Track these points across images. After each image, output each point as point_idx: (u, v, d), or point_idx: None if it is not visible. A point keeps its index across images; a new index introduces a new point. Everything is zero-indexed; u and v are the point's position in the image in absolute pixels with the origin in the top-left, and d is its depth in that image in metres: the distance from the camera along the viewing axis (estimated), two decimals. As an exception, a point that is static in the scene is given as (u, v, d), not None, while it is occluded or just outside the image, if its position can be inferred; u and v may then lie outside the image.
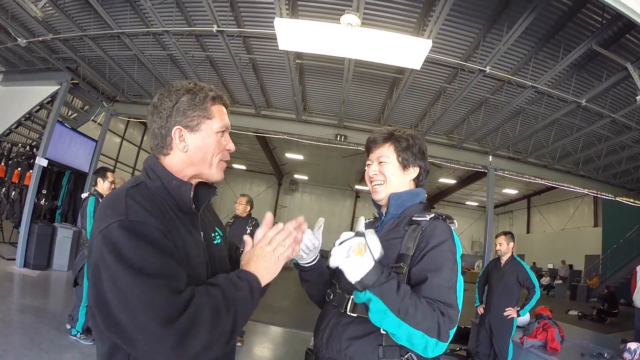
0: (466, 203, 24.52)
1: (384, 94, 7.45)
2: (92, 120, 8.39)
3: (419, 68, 5.19)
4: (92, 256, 0.83)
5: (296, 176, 24.31)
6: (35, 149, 6.99)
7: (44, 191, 6.87)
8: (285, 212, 25.59)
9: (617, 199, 9.99)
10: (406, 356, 1.12)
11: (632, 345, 3.69)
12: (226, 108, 1.10)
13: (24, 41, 6.02)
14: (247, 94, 7.59)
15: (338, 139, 8.61)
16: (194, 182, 1.05)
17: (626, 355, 3.67)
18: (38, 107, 7.45)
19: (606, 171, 9.26)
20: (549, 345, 4.09)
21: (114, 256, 0.78)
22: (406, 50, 4.76)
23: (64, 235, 6.66)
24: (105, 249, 0.80)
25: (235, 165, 24.62)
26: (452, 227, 1.22)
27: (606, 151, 8.06)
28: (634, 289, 6.22)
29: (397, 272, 1.13)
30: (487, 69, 5.35)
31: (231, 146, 1.10)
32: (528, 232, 23.54)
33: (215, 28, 5.22)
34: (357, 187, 23.30)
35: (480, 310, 4.48)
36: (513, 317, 4.15)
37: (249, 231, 4.40)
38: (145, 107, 6.07)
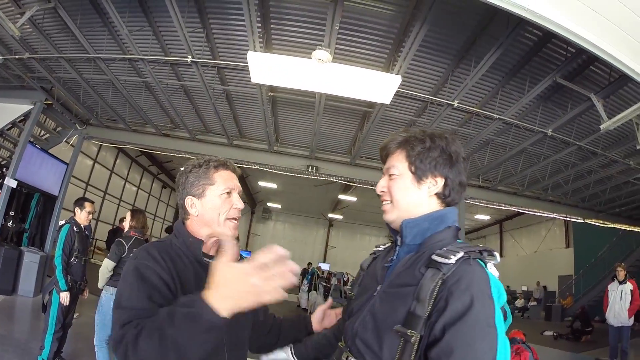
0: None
1: (355, 125, 7.64)
2: (66, 141, 8.26)
3: (388, 103, 5.36)
4: None
5: (269, 204, 24.21)
6: (4, 169, 6.83)
7: (12, 213, 6.68)
8: (259, 240, 25.28)
9: (586, 221, 10.31)
10: None
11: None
12: (234, 172, 1.29)
13: (0, 58, 5.96)
14: (220, 124, 7.66)
15: (310, 170, 8.75)
16: (212, 240, 1.23)
17: (600, 376, 3.78)
18: (10, 125, 7.32)
19: (575, 195, 9.60)
20: None
21: (119, 284, 1.08)
22: (376, 85, 4.91)
23: (30, 259, 6.45)
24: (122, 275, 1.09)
25: (207, 193, 24.40)
26: (490, 267, 0.92)
27: (573, 176, 8.37)
28: (606, 307, 6.50)
29: (404, 338, 0.84)
30: (455, 103, 5.58)
31: (239, 205, 1.26)
32: (502, 255, 23.86)
33: (189, 59, 5.31)
34: (331, 215, 23.31)
35: None
36: None
37: None
38: (119, 132, 6.34)
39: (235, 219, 1.26)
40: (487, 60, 4.67)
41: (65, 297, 3.74)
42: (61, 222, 4.39)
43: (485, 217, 19.52)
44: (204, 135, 8.73)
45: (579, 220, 10.56)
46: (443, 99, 5.66)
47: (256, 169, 9.40)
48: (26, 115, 7.06)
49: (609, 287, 6.66)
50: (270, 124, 7.39)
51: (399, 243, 1.04)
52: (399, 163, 1.03)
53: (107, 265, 3.73)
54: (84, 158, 14.93)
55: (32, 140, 7.25)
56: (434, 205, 1.02)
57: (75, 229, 3.94)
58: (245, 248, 22.63)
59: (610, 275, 11.03)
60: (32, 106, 6.97)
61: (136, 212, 4.16)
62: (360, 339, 0.96)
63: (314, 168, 8.73)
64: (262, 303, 0.82)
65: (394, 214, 1.03)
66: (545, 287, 17.16)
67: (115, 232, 7.36)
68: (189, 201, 1.22)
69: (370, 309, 0.98)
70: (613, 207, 10.14)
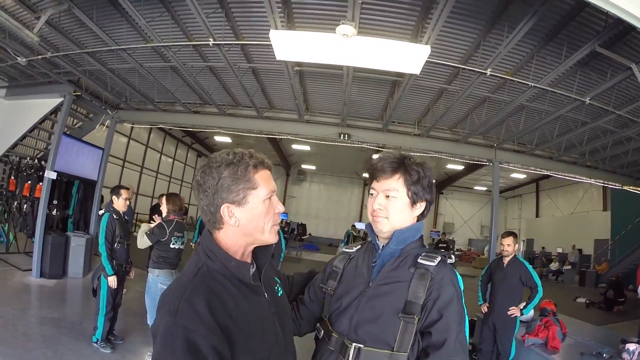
0: (474, 188, 24.43)
1: (385, 93, 7.42)
2: (101, 124, 8.49)
3: (418, 73, 5.16)
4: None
5: (304, 166, 24.47)
6: (43, 161, 7.13)
7: (55, 202, 7.02)
8: (295, 202, 25.84)
9: (624, 187, 9.86)
10: None
11: (631, 347, 3.74)
12: (270, 170, 1.11)
13: (24, 60, 6.08)
14: (248, 98, 7.63)
15: (342, 138, 8.62)
16: (250, 249, 1.10)
17: (625, 355, 3.73)
18: (43, 119, 7.58)
19: (613, 162, 9.14)
20: (549, 343, 4.13)
21: (159, 348, 0.85)
22: (404, 56, 4.71)
23: (77, 243, 6.86)
24: (157, 338, 0.87)
25: (242, 159, 24.79)
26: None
27: (612, 143, 7.94)
28: (639, 282, 6.26)
29: (405, 321, 1.11)
30: (488, 72, 5.27)
31: (281, 208, 1.11)
32: (537, 216, 23.39)
33: (211, 42, 5.23)
34: (365, 175, 23.36)
35: (484, 309, 4.50)
36: (517, 316, 4.18)
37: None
38: (149, 113, 6.61)
39: (278, 225, 1.12)
40: (521, 28, 4.32)
41: (112, 280, 3.98)
42: (101, 212, 4.61)
43: (521, 176, 18.99)
44: (234, 109, 8.71)
45: (616, 187, 10.09)
46: (475, 66, 5.35)
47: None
48: (57, 108, 7.25)
49: None
50: (299, 95, 7.28)
51: (380, 247, 1.27)
52: (398, 187, 1.24)
53: (142, 243, 3.90)
54: (119, 136, 15.46)
55: (66, 130, 7.49)
56: (414, 219, 1.29)
57: (114, 216, 4.13)
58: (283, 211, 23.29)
59: None
60: (62, 99, 7.13)
61: (171, 196, 4.28)
62: (362, 328, 1.16)
63: (346, 136, 8.59)
64: None
65: (387, 227, 1.24)
66: (580, 251, 16.79)
67: (155, 208, 7.68)
68: (226, 210, 1.02)
69: (367, 303, 1.19)
70: (653, 175, 9.61)
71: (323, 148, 15.28)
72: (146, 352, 4.13)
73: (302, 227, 21.21)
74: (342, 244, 12.71)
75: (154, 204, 18.01)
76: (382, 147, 9.29)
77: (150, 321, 3.99)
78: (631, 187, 9.80)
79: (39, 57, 6.06)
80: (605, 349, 3.98)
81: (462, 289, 1.19)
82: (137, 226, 14.71)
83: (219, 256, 1.02)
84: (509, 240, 4.30)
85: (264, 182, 1.06)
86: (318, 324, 1.34)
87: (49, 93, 7.27)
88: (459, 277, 1.21)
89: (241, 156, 1.04)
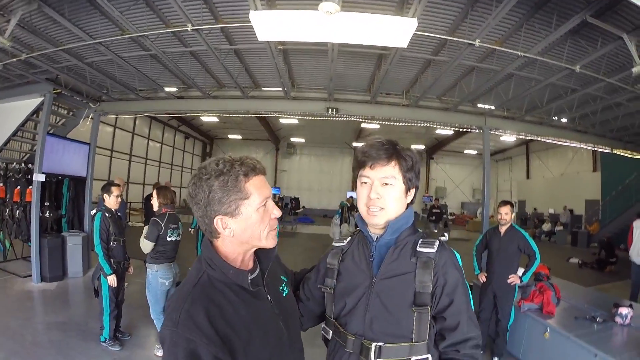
0: (465, 152, 24.54)
1: (372, 66, 7.30)
2: (85, 118, 8.28)
3: (405, 46, 5.04)
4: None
5: (293, 139, 24.38)
6: (30, 164, 6.97)
7: (47, 203, 6.92)
8: (286, 176, 25.85)
9: (614, 151, 9.98)
10: None
11: (624, 311, 3.85)
12: (263, 175, 1.08)
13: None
14: (232, 80, 7.47)
15: (329, 112, 8.49)
16: (250, 254, 1.11)
17: (618, 319, 3.84)
18: (26, 121, 7.33)
19: (603, 126, 9.19)
20: (545, 308, 4.22)
21: (165, 355, 0.92)
22: (391, 30, 4.56)
23: (73, 242, 6.81)
24: (164, 346, 0.93)
25: (230, 136, 24.64)
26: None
27: (601, 109, 7.95)
28: (630, 244, 6.39)
29: (422, 312, 1.14)
30: (477, 43, 5.16)
31: (277, 213, 1.09)
32: (528, 177, 23.71)
33: (189, 27, 5.03)
34: (355, 144, 23.26)
35: (482, 278, 4.50)
36: (516, 284, 4.23)
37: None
38: (132, 103, 6.54)
39: (275, 228, 1.12)
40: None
41: (112, 279, 3.99)
42: (92, 212, 4.54)
43: (511, 139, 19.09)
44: (219, 91, 8.54)
45: (606, 151, 10.20)
46: (463, 37, 5.24)
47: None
48: (39, 108, 7.01)
49: (634, 224, 6.52)
50: (284, 73, 7.13)
51: (375, 239, 1.25)
52: (395, 174, 1.21)
53: (145, 246, 3.87)
54: (104, 126, 15.27)
55: (50, 129, 7.29)
56: (405, 207, 1.27)
57: (107, 214, 4.09)
58: (274, 185, 23.29)
59: (637, 205, 10.89)
60: (42, 98, 6.89)
61: (161, 189, 4.24)
62: (377, 326, 1.17)
63: (334, 110, 8.46)
64: None
65: (383, 219, 1.22)
66: (571, 211, 17.11)
67: (149, 198, 7.59)
68: (219, 222, 1.02)
69: (376, 299, 1.18)
70: (643, 139, 9.70)
71: (311, 120, 15.19)
72: (154, 344, 4.18)
73: (295, 201, 21.12)
74: (337, 216, 12.77)
75: (147, 193, 17.97)
76: (371, 119, 9.23)
77: (153, 315, 4.03)
78: (621, 150, 9.91)
79: (14, 59, 5.79)
80: (599, 313, 4.07)
81: (460, 264, 1.24)
82: (131, 215, 14.66)
83: (218, 265, 1.03)
84: (506, 209, 4.30)
85: (257, 190, 1.04)
86: (324, 325, 1.33)
87: (28, 94, 7.01)
88: (458, 256, 1.25)
89: (231, 165, 1.02)
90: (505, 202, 4.40)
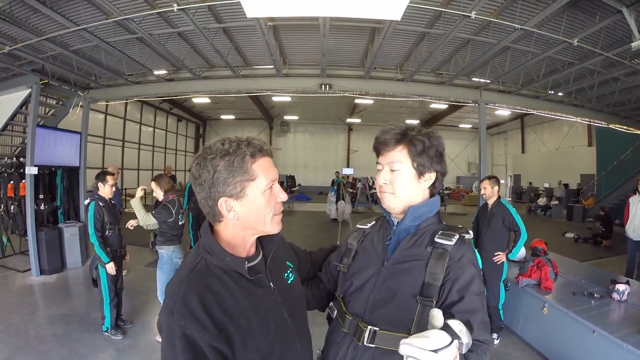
0: (460, 126, 24.48)
1: (364, 40, 7.15)
2: (74, 107, 8.10)
3: (399, 19, 4.89)
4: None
5: (286, 117, 24.19)
6: (21, 158, 6.84)
7: (41, 196, 6.84)
8: (281, 154, 25.73)
9: (610, 126, 9.93)
10: None
11: (621, 287, 3.88)
12: (270, 156, 1.04)
13: None
14: (223, 59, 7.30)
15: (323, 88, 8.34)
16: (253, 239, 1.07)
17: (615, 295, 3.87)
18: (15, 114, 7.15)
19: (599, 101, 9.10)
20: (542, 284, 4.23)
21: (163, 343, 0.90)
22: (384, 2, 4.38)
23: (70, 233, 6.77)
24: (161, 334, 0.92)
25: (223, 117, 24.41)
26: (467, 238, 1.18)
27: (599, 83, 7.87)
28: (626, 220, 6.40)
29: (426, 304, 1.07)
30: (473, 15, 5.03)
31: (283, 196, 1.06)
32: (523, 151, 23.76)
33: (175, 7, 4.85)
34: (349, 120, 23.11)
35: None
36: (504, 262, 4.11)
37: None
38: (121, 88, 6.34)
39: (281, 213, 1.08)
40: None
41: (111, 267, 3.99)
42: (86, 202, 4.50)
43: (506, 113, 19.07)
44: (209, 71, 8.38)
45: (602, 125, 10.12)
46: (458, 8, 5.09)
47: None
48: (27, 101, 6.84)
49: (631, 200, 6.50)
50: (275, 50, 6.98)
51: (395, 224, 1.23)
52: (402, 159, 1.18)
53: (147, 220, 3.98)
54: (95, 114, 15.00)
55: (40, 121, 7.14)
56: (426, 194, 1.22)
57: (101, 203, 4.05)
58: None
59: (632, 180, 10.89)
60: (29, 90, 6.70)
61: (159, 178, 4.24)
62: (378, 310, 1.13)
63: (327, 86, 8.31)
64: None
65: (395, 203, 1.20)
66: (566, 186, 17.19)
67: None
68: (224, 204, 0.98)
69: (383, 283, 1.16)
70: (639, 114, 9.63)
71: (304, 97, 15.07)
72: (156, 331, 4.21)
73: (291, 179, 21.02)
74: (332, 193, 12.70)
75: (142, 178, 17.84)
76: (365, 95, 9.13)
77: (160, 295, 4.11)
78: (617, 125, 9.87)
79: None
80: (596, 289, 4.11)
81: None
82: (127, 201, 14.58)
83: (215, 251, 1.00)
84: (485, 184, 4.26)
85: (264, 172, 1.00)
86: (331, 303, 1.31)
87: (15, 87, 6.81)
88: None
89: (237, 145, 0.98)
90: (486, 177, 4.34)
